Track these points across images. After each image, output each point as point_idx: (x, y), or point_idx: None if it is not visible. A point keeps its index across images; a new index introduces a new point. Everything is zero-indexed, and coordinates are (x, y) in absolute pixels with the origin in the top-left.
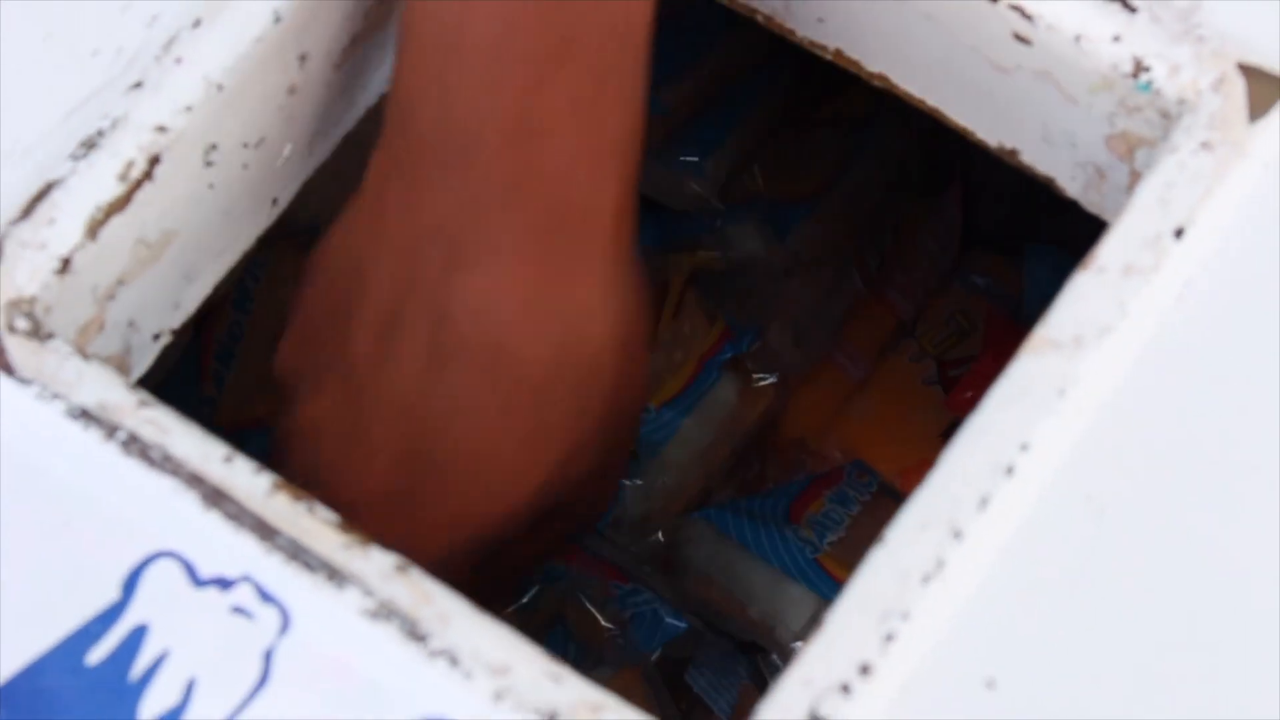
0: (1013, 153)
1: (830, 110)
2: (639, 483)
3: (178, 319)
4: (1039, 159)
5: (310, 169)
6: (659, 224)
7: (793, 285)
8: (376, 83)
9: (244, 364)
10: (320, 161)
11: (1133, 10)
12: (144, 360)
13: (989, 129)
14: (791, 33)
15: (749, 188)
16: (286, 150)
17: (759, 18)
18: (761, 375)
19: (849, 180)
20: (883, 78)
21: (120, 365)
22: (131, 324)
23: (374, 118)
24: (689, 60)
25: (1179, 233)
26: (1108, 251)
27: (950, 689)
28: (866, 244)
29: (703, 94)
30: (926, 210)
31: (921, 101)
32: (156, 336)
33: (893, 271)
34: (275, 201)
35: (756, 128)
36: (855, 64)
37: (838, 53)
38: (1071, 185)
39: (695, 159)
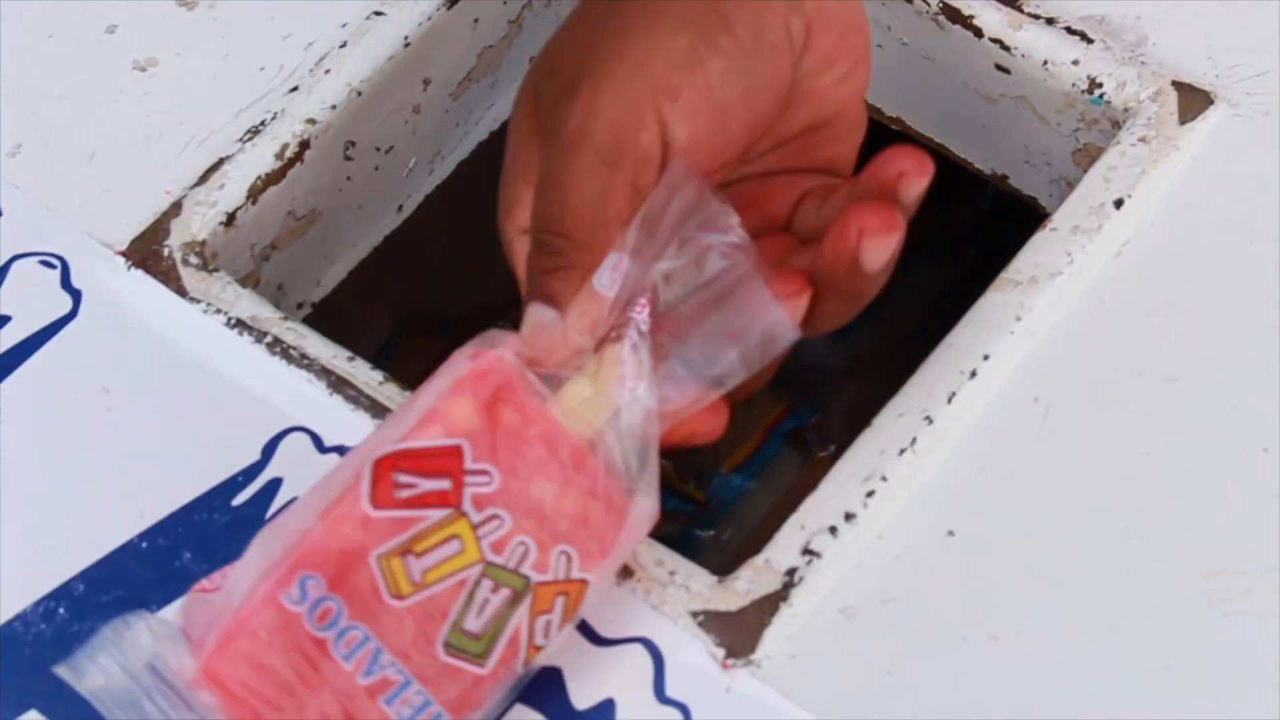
0: (1003, 178)
1: None
2: (711, 533)
3: (318, 295)
4: (1023, 181)
5: (430, 187)
6: None
7: (851, 382)
8: (485, 121)
9: None
10: (439, 182)
11: (1089, 41)
12: None
13: (984, 158)
14: None
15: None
16: (411, 163)
17: None
18: (821, 447)
19: (905, 294)
20: (899, 121)
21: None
22: (280, 288)
23: (482, 152)
24: None
25: (1119, 203)
26: (1060, 216)
27: (917, 536)
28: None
29: None
30: None
31: (930, 139)
32: (300, 305)
33: None
34: (400, 208)
35: None
36: (877, 110)
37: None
38: (1050, 203)
39: None
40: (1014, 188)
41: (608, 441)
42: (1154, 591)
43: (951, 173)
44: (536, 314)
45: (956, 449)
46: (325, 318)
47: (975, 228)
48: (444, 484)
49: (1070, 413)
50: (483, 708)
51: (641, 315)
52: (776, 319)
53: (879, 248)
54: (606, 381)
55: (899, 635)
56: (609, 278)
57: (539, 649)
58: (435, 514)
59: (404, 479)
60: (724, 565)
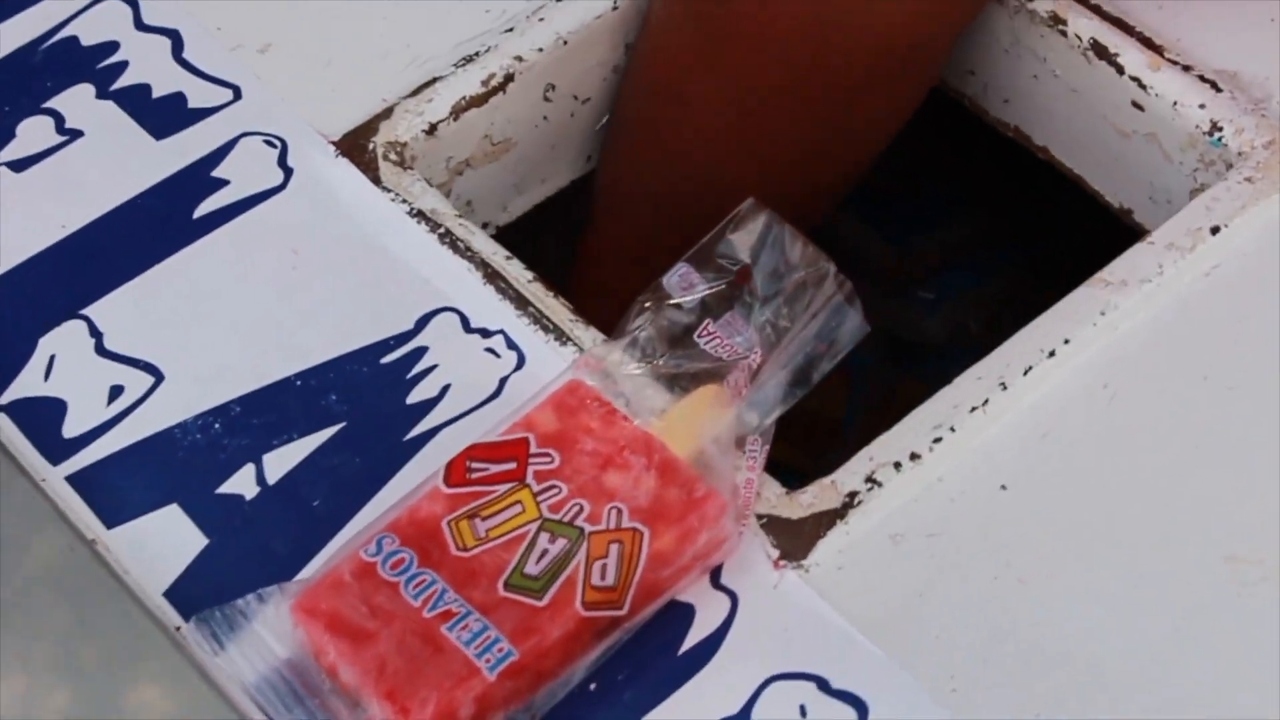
0: (1129, 212)
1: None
2: None
3: (502, 219)
4: (1145, 217)
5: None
6: (890, 350)
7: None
8: None
9: None
10: None
11: (1218, 90)
12: None
13: (1114, 192)
14: (985, 113)
15: (971, 333)
16: (604, 119)
17: (965, 101)
18: None
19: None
20: (1045, 150)
21: None
22: (470, 204)
23: None
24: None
25: (1215, 230)
26: (1159, 233)
27: (973, 484)
28: None
29: (953, 249)
30: None
31: (1070, 170)
32: (484, 225)
33: None
34: (589, 159)
35: (981, 294)
36: (1027, 139)
37: (1016, 129)
38: None
39: (932, 297)
40: (1137, 222)
41: (705, 453)
42: (1177, 566)
43: (1085, 204)
44: None
45: (1023, 415)
46: (503, 242)
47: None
48: (510, 465)
49: (1133, 401)
50: (545, 640)
51: (752, 358)
52: (857, 324)
53: None
54: (699, 413)
55: (938, 565)
56: (679, 281)
57: (599, 590)
58: (501, 488)
59: (476, 465)
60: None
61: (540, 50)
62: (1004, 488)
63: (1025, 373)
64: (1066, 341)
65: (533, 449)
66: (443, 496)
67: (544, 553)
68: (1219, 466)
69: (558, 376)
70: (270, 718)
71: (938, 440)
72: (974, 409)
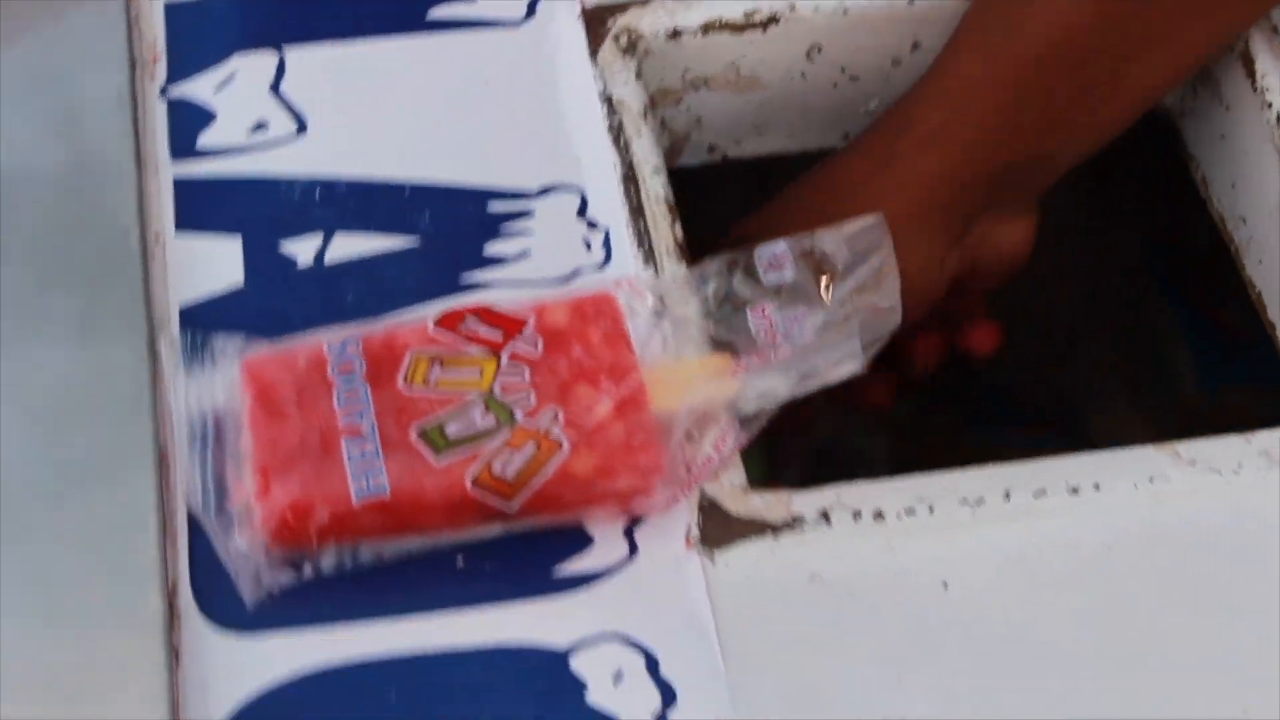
0: None
1: None
2: None
3: (733, 151)
4: None
5: None
6: None
7: None
8: None
9: None
10: None
11: None
12: (690, 159)
13: None
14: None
15: None
16: (872, 104)
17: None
18: None
19: None
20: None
21: (674, 145)
22: (699, 121)
23: None
24: None
25: None
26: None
27: (920, 571)
28: None
29: None
30: None
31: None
32: (711, 149)
33: None
34: (846, 136)
35: None
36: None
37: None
38: None
39: None
40: None
41: (677, 415)
42: None
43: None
44: None
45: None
46: (718, 173)
47: None
48: (496, 335)
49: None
50: (420, 496)
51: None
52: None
53: None
54: (694, 376)
55: (835, 627)
56: (770, 258)
57: (495, 478)
58: (475, 350)
59: (471, 321)
60: None
61: (815, 9)
62: (945, 586)
63: (1037, 495)
64: (1096, 487)
65: (525, 332)
66: (425, 333)
67: (470, 423)
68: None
69: (601, 285)
70: (176, 446)
71: (910, 512)
72: (967, 502)
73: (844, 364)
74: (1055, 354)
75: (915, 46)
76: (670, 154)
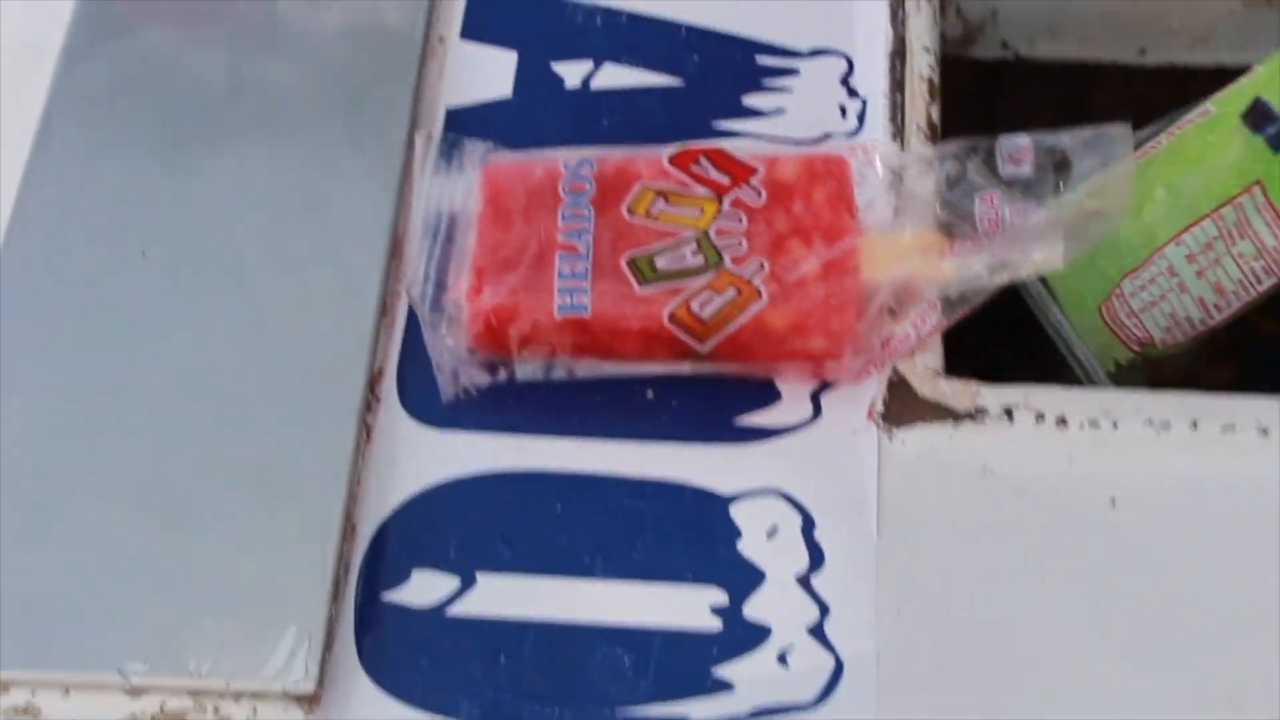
0: None
1: None
2: None
3: (1024, 51)
4: None
5: None
6: None
7: None
8: None
9: None
10: None
11: None
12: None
13: None
14: None
15: None
16: (1174, 23)
17: None
18: None
19: None
20: None
21: (966, 34)
22: (994, 14)
23: None
24: None
25: None
26: None
27: (1088, 484)
28: None
29: None
30: None
31: None
32: (1004, 45)
33: None
34: (1142, 51)
35: None
36: None
37: None
38: None
39: None
40: None
41: (881, 286)
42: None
43: None
44: None
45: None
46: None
47: None
48: (725, 179)
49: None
50: (619, 321)
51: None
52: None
53: None
54: (906, 251)
55: (995, 514)
56: (1011, 151)
57: (692, 315)
58: (701, 190)
59: (704, 161)
60: None
61: None
62: (1113, 503)
63: (1225, 430)
64: None
65: (753, 181)
66: (659, 165)
67: (681, 257)
68: None
69: (839, 148)
70: (411, 237)
71: (1094, 424)
72: (1151, 424)
73: (1045, 259)
74: None
75: None
76: (963, 43)
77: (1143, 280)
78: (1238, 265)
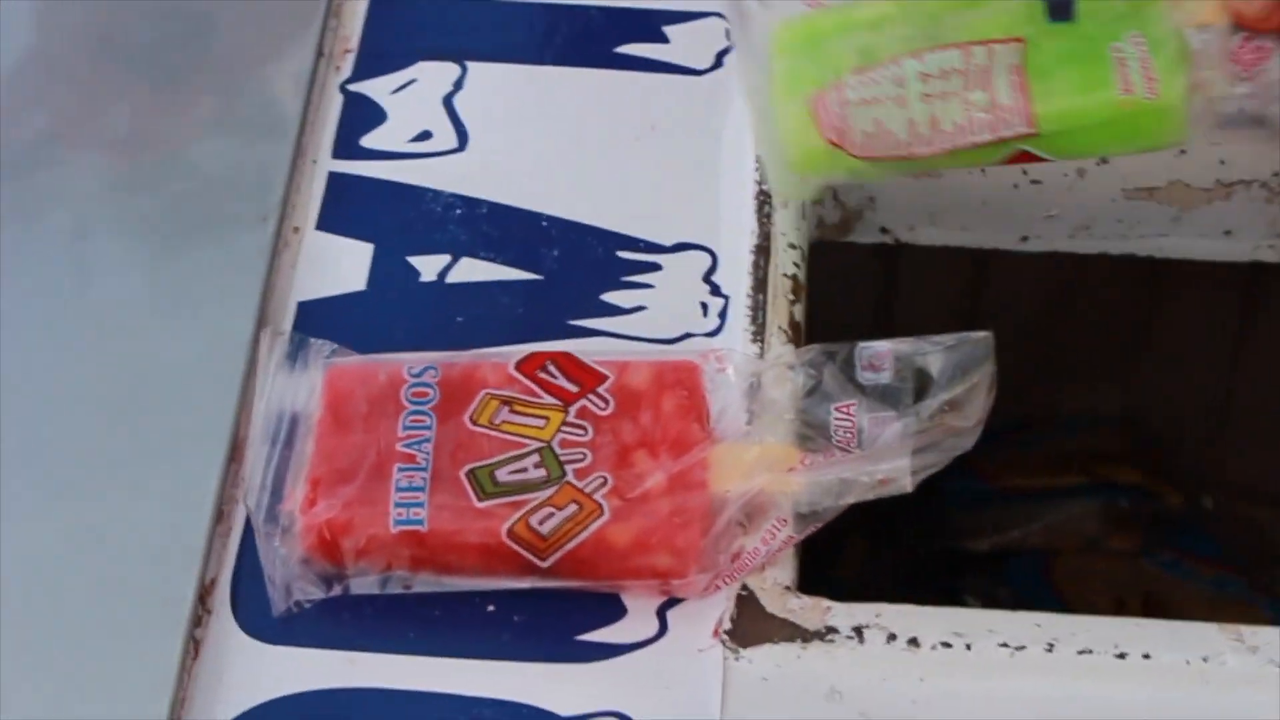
0: None
1: None
2: None
3: (903, 237)
4: None
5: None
6: None
7: None
8: None
9: None
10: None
11: None
12: (862, 238)
13: None
14: None
15: None
16: (1052, 211)
17: None
18: None
19: None
20: None
21: (844, 220)
22: (872, 200)
23: None
24: None
25: None
26: None
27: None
28: None
29: None
30: None
31: None
32: (883, 230)
33: None
34: (1023, 239)
35: None
36: None
37: None
38: None
39: None
40: None
41: (729, 500)
42: None
43: None
44: None
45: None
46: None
47: None
48: (573, 388)
49: None
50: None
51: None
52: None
53: None
54: (757, 464)
55: None
56: (871, 358)
57: (532, 531)
58: (548, 399)
59: (552, 368)
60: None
61: None
62: None
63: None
64: (1146, 656)
65: (602, 389)
66: (505, 372)
67: (523, 470)
68: None
69: (691, 353)
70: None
71: (946, 645)
72: (1006, 645)
73: (893, 479)
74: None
75: (1102, 161)
76: (841, 228)
77: (868, 78)
78: (965, 108)
